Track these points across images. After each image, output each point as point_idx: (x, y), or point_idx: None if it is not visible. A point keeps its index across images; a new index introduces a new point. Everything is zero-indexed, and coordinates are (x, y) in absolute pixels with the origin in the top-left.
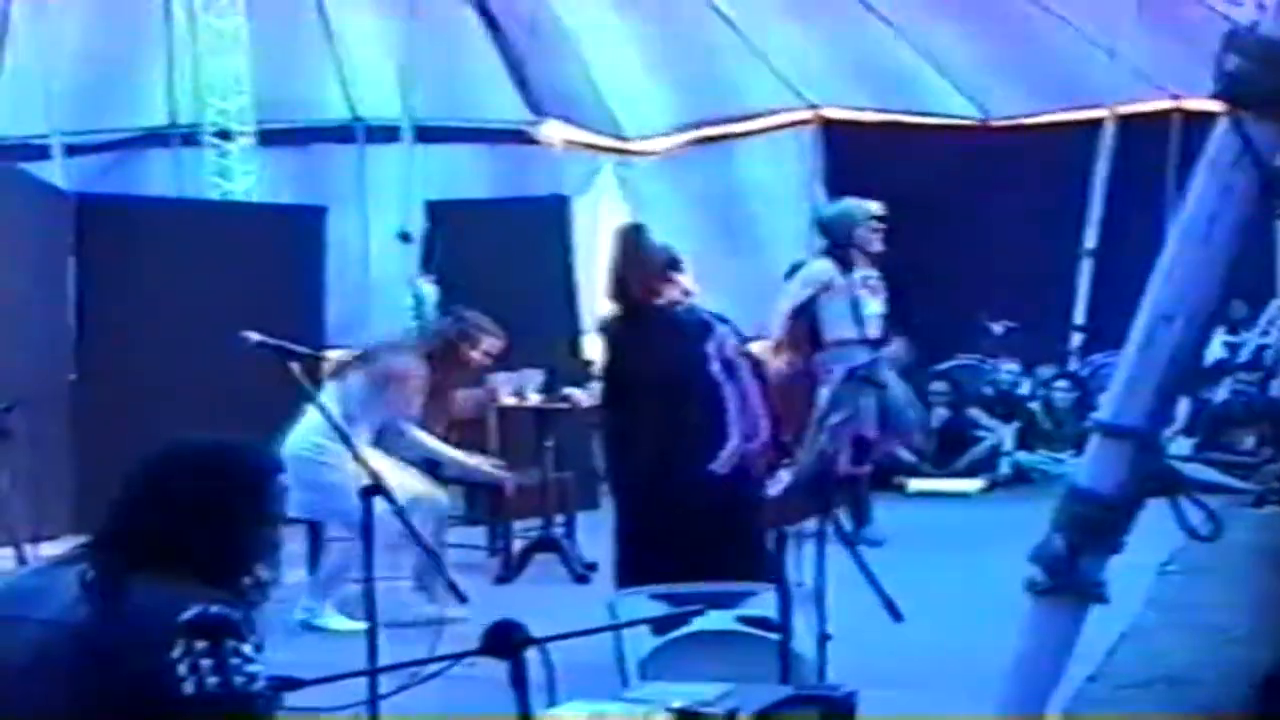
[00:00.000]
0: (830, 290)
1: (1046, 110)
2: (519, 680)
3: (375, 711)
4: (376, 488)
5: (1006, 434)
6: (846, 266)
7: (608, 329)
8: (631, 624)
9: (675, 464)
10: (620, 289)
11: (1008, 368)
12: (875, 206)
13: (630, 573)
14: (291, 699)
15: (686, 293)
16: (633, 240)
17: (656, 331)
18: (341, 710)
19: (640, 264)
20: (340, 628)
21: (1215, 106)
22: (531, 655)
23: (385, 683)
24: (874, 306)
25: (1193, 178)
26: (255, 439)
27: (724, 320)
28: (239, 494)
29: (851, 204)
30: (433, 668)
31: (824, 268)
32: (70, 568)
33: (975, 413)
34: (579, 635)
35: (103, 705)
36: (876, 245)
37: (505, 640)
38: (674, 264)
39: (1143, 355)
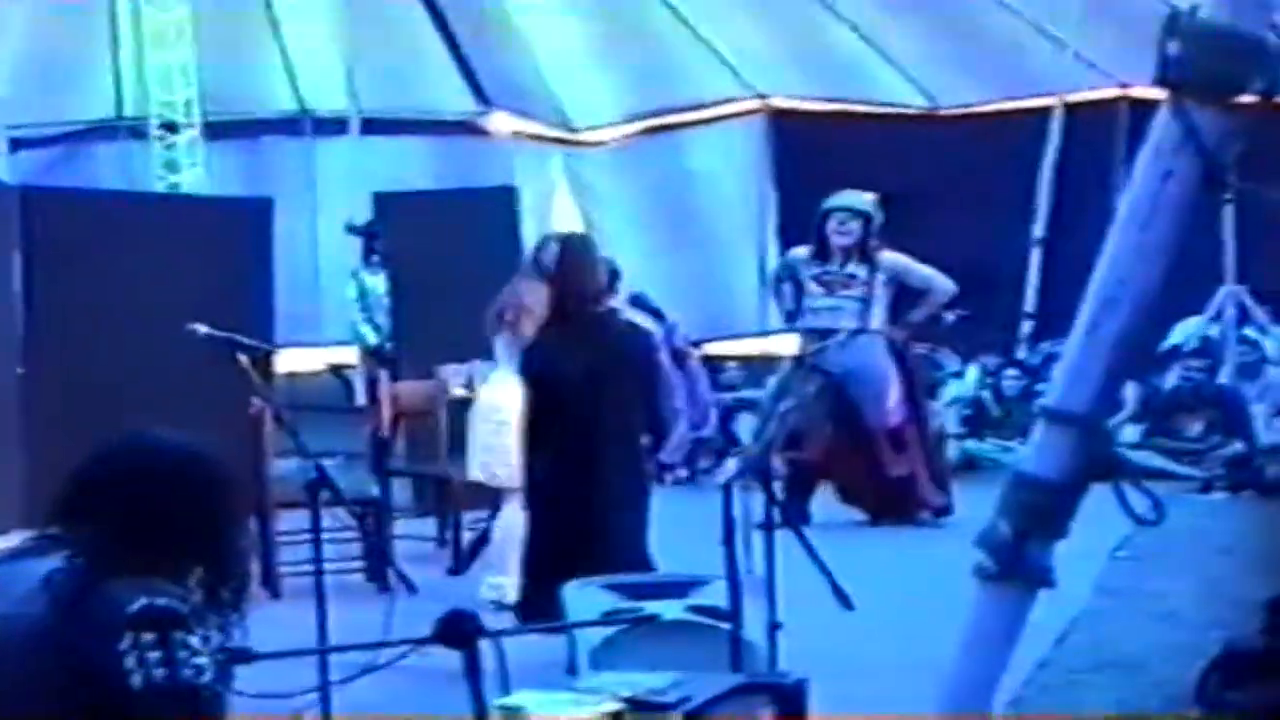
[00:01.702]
0: (788, 278)
1: (994, 99)
2: (472, 670)
3: (327, 695)
4: (322, 480)
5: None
6: (823, 258)
7: (542, 342)
8: (585, 624)
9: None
10: (564, 301)
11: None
12: (866, 198)
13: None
14: (242, 683)
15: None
16: (581, 252)
17: (599, 335)
18: (295, 696)
19: (589, 278)
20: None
21: (1162, 94)
22: (483, 645)
23: (337, 666)
24: (823, 301)
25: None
26: (207, 437)
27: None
28: (199, 496)
29: (842, 195)
30: (386, 653)
31: (794, 255)
32: (24, 561)
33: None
34: (534, 631)
35: (57, 698)
36: (838, 239)
37: (458, 630)
38: (615, 276)
39: (1088, 341)
